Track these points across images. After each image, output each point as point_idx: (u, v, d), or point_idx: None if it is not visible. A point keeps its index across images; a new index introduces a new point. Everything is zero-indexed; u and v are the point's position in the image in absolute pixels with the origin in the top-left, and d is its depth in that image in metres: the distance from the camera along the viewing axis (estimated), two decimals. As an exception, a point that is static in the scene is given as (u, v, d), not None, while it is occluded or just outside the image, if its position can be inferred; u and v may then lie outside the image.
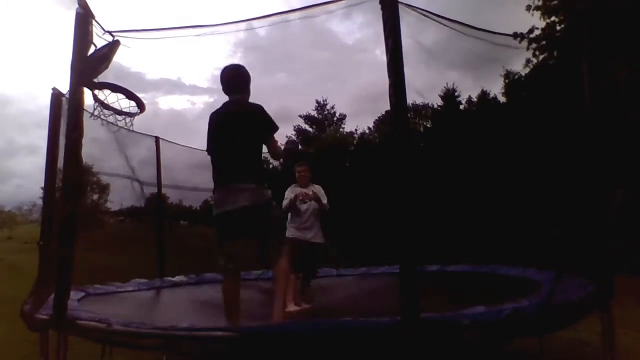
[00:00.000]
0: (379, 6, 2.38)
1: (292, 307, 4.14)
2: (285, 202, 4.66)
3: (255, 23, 3.00)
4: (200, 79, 68.33)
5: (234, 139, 2.95)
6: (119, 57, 2.90)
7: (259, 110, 3.06)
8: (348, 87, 51.12)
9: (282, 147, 3.50)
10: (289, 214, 4.68)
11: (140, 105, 3.36)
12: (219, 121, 3.10)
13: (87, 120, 3.10)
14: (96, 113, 3.15)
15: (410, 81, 2.34)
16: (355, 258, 8.04)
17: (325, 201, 4.67)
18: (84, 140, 2.76)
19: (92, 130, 3.24)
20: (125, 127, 3.39)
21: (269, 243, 3.10)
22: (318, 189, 4.75)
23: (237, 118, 3.01)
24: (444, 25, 2.78)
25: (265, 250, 3.11)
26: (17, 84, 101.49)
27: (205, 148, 3.18)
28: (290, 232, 4.65)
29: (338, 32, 54.32)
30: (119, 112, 3.27)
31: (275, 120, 3.09)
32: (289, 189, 4.79)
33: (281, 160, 3.17)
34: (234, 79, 3.15)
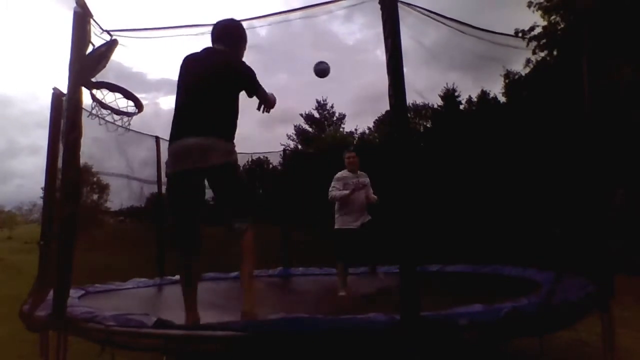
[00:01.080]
0: (379, 7, 2.38)
1: (342, 292, 4.36)
2: (336, 193, 4.57)
3: (255, 23, 3.00)
4: (201, 78, 68.03)
5: (211, 87, 2.57)
6: (120, 57, 2.90)
7: (244, 64, 2.78)
8: (348, 87, 51.18)
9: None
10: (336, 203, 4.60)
11: (138, 105, 3.36)
12: (195, 66, 2.73)
13: (86, 120, 3.11)
14: (94, 112, 3.14)
15: (410, 82, 2.34)
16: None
17: (371, 192, 4.66)
18: (84, 140, 2.76)
19: (92, 130, 3.26)
20: (123, 126, 3.39)
21: (236, 215, 2.62)
22: (365, 176, 4.70)
23: (220, 66, 2.65)
24: (444, 24, 2.78)
25: (230, 220, 2.63)
26: (19, 85, 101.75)
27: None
28: (338, 223, 4.61)
29: (339, 32, 54.37)
30: (117, 112, 3.27)
31: (276, 121, 3.06)
32: (337, 176, 4.69)
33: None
34: (223, 30, 2.83)
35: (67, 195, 2.65)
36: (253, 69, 2.78)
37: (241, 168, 2.80)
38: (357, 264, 4.81)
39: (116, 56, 2.89)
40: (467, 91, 21.85)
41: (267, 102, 2.82)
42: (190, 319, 2.58)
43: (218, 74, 2.62)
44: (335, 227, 4.66)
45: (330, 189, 4.67)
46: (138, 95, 3.30)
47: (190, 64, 2.76)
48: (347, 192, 4.53)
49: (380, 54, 2.32)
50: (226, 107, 2.63)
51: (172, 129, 2.61)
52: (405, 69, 2.33)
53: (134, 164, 5.94)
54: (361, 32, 48.44)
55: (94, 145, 3.61)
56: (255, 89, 2.76)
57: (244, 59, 2.89)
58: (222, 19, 2.89)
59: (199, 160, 2.46)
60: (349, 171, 4.69)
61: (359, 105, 53.87)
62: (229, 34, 2.82)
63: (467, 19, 2.90)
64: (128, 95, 3.26)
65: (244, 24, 2.99)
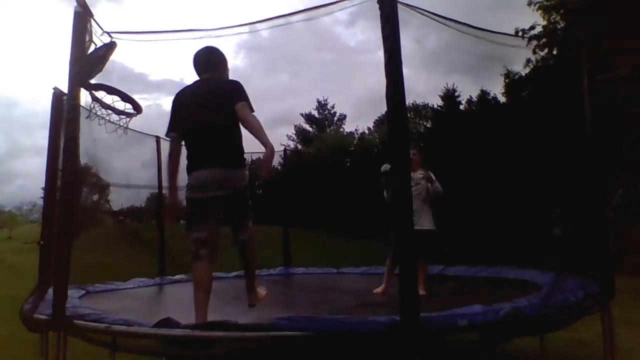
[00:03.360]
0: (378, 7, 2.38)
1: (378, 289, 4.50)
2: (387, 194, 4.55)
3: (254, 26, 3.00)
4: (202, 79, 68.26)
5: (209, 117, 2.75)
6: (122, 58, 2.89)
7: (234, 83, 2.89)
8: (349, 88, 51.22)
9: None
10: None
11: (137, 107, 3.36)
12: (190, 100, 2.88)
13: (89, 122, 3.11)
14: (94, 112, 3.14)
15: (410, 82, 2.33)
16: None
17: (436, 185, 4.54)
18: (84, 141, 2.76)
19: (92, 131, 3.26)
20: (121, 125, 3.39)
21: (242, 229, 2.93)
22: (428, 173, 4.61)
23: (213, 95, 2.81)
24: (443, 24, 2.78)
25: (237, 235, 2.95)
26: (24, 86, 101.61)
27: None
28: None
29: (340, 34, 54.50)
30: (117, 112, 3.27)
31: (277, 121, 3.08)
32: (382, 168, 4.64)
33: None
34: (202, 59, 2.96)
35: (65, 195, 2.65)
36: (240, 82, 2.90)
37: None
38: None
39: (119, 57, 2.90)
40: (467, 91, 21.84)
41: (245, 119, 2.76)
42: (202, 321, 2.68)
43: (213, 101, 2.80)
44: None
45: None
46: (140, 96, 3.32)
47: (186, 98, 2.91)
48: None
49: (382, 55, 2.32)
50: (230, 133, 2.80)
51: (188, 159, 2.87)
52: (405, 70, 2.33)
53: (135, 163, 5.95)
54: (363, 33, 48.54)
55: (94, 145, 3.60)
56: (240, 102, 2.77)
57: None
58: (198, 50, 3.00)
59: (215, 188, 2.76)
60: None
61: (360, 106, 53.98)
62: (209, 61, 2.97)
63: (471, 21, 2.89)
64: (126, 98, 3.25)
65: (246, 28, 3.01)
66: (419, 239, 4.39)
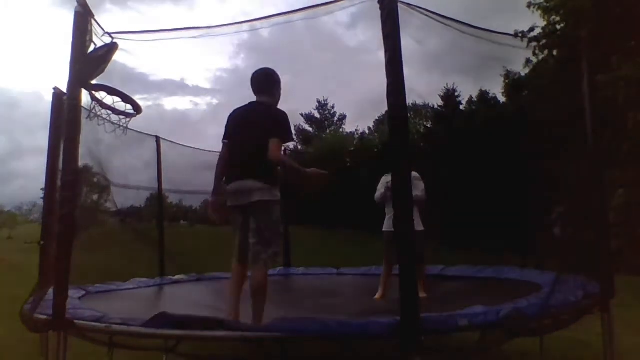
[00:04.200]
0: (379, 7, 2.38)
1: (377, 295, 4.51)
2: (377, 194, 4.69)
3: (251, 25, 2.99)
4: (203, 80, 68.55)
5: (253, 137, 3.04)
6: (123, 59, 2.90)
7: (280, 115, 3.15)
8: (350, 88, 51.24)
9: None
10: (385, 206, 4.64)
11: (137, 108, 3.36)
12: (242, 118, 3.22)
13: (89, 122, 3.11)
14: (94, 112, 3.14)
15: (410, 82, 2.33)
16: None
17: (420, 190, 4.51)
18: (84, 141, 2.76)
19: (92, 131, 3.26)
20: (122, 126, 3.39)
21: (258, 244, 3.03)
22: (415, 176, 4.49)
23: (259, 118, 3.10)
24: (444, 24, 2.78)
25: (246, 245, 3.07)
26: (26, 86, 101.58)
27: (205, 147, 3.33)
28: (385, 225, 4.65)
29: (341, 34, 54.56)
30: (117, 113, 3.27)
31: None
32: (382, 178, 4.76)
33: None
34: (260, 80, 3.28)
35: (64, 195, 2.65)
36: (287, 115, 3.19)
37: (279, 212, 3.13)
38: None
39: (120, 57, 2.89)
40: (467, 91, 21.86)
41: (272, 153, 3.00)
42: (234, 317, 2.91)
43: (261, 125, 3.07)
44: (383, 229, 4.70)
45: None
46: (140, 96, 3.32)
47: (239, 115, 3.25)
48: (379, 194, 4.69)
49: (382, 56, 2.33)
50: (263, 155, 3.00)
51: (228, 168, 3.21)
52: (405, 71, 2.33)
53: (135, 164, 5.96)
54: (364, 34, 48.58)
55: (95, 145, 3.61)
56: (275, 136, 3.02)
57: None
58: (256, 70, 3.32)
59: (242, 198, 3.05)
60: None
61: (360, 106, 54.04)
62: (263, 84, 3.27)
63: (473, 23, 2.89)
64: (126, 99, 3.25)
65: (246, 26, 3.01)
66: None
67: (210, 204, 3.30)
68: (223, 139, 3.28)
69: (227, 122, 3.29)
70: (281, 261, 7.21)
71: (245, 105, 3.28)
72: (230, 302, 3.02)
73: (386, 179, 4.69)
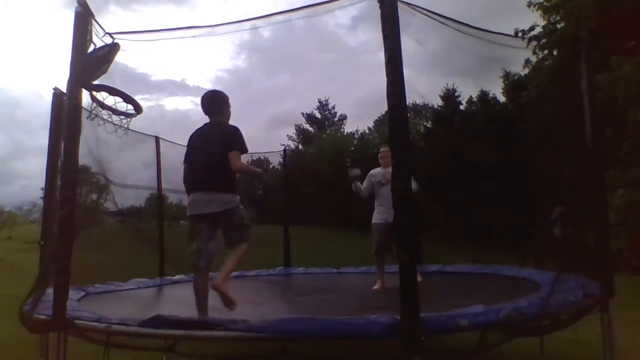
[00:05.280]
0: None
1: (376, 286, 4.71)
2: (362, 188, 4.92)
3: (252, 24, 3.00)
4: (204, 80, 68.53)
5: (210, 154, 3.35)
6: (124, 59, 2.90)
7: (234, 131, 3.46)
8: (350, 89, 51.27)
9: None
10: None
11: (137, 108, 3.36)
12: (199, 139, 3.52)
13: (89, 122, 3.11)
14: (94, 112, 3.14)
15: (410, 83, 2.33)
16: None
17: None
18: (85, 141, 2.76)
19: (92, 131, 3.25)
20: (122, 126, 3.39)
21: (233, 239, 3.41)
22: None
23: (215, 136, 3.42)
24: (444, 24, 2.77)
25: (230, 243, 3.43)
26: (28, 86, 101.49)
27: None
28: (373, 218, 4.89)
29: (341, 35, 54.59)
30: (117, 112, 3.26)
31: (278, 122, 3.25)
32: (369, 173, 4.99)
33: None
34: (209, 102, 3.57)
35: (64, 195, 2.65)
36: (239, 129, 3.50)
37: (241, 207, 3.48)
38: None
39: (121, 58, 2.90)
40: (467, 92, 21.87)
41: (235, 164, 3.35)
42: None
43: (218, 142, 3.38)
44: (372, 221, 4.93)
45: None
46: (141, 97, 3.32)
47: (196, 137, 3.55)
48: (360, 186, 4.94)
49: (383, 56, 2.32)
50: (225, 168, 3.33)
51: (189, 182, 3.50)
52: (405, 71, 2.32)
53: (135, 163, 5.95)
54: (364, 34, 48.60)
55: (95, 146, 3.61)
56: (233, 150, 3.34)
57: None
58: (204, 94, 3.61)
59: (207, 207, 3.33)
60: (383, 167, 4.85)
61: (361, 106, 54.06)
62: (214, 105, 3.56)
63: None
64: (127, 99, 3.25)
65: (247, 24, 3.02)
66: (386, 231, 4.58)
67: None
68: (184, 161, 3.58)
69: (187, 143, 3.59)
70: (281, 261, 7.24)
71: (201, 127, 3.58)
72: (201, 311, 3.24)
73: (372, 173, 4.93)
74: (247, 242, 3.45)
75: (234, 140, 3.41)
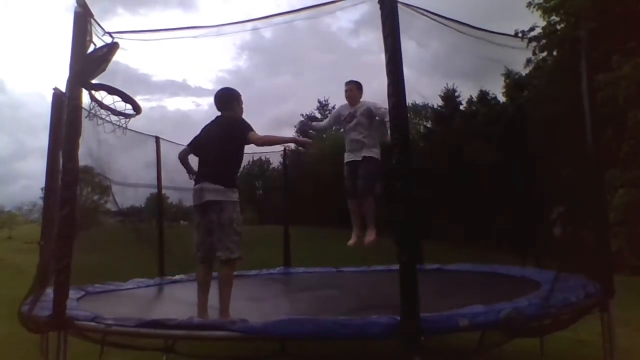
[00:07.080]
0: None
1: (351, 240, 4.60)
2: (315, 125, 4.97)
3: (255, 24, 3.00)
4: (206, 80, 68.60)
5: (216, 146, 3.36)
6: (126, 59, 2.89)
7: (240, 119, 3.50)
8: (350, 89, 51.16)
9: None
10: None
11: (136, 108, 3.36)
12: (208, 131, 3.56)
13: (88, 122, 3.10)
14: (93, 112, 3.13)
15: (410, 83, 2.33)
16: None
17: (381, 110, 4.26)
18: (85, 141, 2.76)
19: (92, 131, 3.25)
20: (121, 126, 3.38)
21: (215, 245, 3.32)
22: (371, 104, 4.47)
23: (223, 128, 3.45)
24: (444, 24, 2.77)
25: (216, 242, 3.32)
26: (30, 87, 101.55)
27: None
28: (345, 157, 4.62)
29: (342, 36, 54.59)
30: (116, 112, 3.26)
31: (278, 122, 3.27)
32: (337, 108, 4.88)
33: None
34: (221, 99, 3.61)
35: (64, 195, 2.65)
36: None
37: (237, 210, 3.38)
38: (360, 196, 4.48)
39: (122, 58, 2.90)
40: (467, 92, 21.87)
41: (260, 140, 3.42)
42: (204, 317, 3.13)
43: (225, 135, 3.40)
44: (344, 161, 4.67)
45: None
46: (142, 97, 3.33)
47: (206, 129, 3.59)
48: (322, 124, 5.05)
49: (383, 57, 2.32)
50: (229, 161, 3.39)
51: (196, 173, 3.57)
52: (406, 72, 2.33)
53: (135, 163, 5.95)
54: (365, 35, 48.59)
55: (95, 146, 3.61)
56: (247, 132, 3.36)
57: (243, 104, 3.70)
58: (218, 91, 3.67)
59: (197, 199, 3.36)
60: (349, 104, 4.63)
61: (361, 106, 53.91)
62: (224, 101, 3.60)
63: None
64: (126, 98, 3.25)
65: (249, 24, 3.04)
66: (356, 168, 4.41)
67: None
68: (189, 143, 3.64)
69: (200, 133, 3.63)
70: (281, 261, 7.23)
71: (213, 120, 3.63)
72: (200, 306, 3.25)
73: (338, 110, 4.79)
74: (232, 261, 3.25)
75: (243, 125, 3.42)
